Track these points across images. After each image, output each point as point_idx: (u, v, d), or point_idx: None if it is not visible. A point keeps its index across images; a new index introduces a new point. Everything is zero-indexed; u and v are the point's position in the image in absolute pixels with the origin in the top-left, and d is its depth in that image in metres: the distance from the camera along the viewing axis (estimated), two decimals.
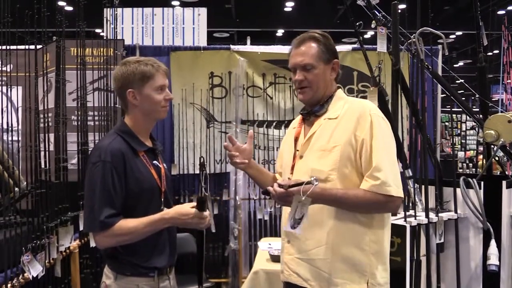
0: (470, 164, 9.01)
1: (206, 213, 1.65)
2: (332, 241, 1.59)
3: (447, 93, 2.86)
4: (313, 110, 1.73)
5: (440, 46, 4.15)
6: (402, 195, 1.59)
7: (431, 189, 2.50)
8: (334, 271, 1.59)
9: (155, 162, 1.75)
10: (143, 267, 1.66)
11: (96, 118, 3.05)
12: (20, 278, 2.12)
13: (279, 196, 1.53)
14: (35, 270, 2.16)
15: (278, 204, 1.59)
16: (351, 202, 1.56)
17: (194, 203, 1.65)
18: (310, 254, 1.63)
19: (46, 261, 2.31)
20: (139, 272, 1.66)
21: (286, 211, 1.72)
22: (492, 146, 2.71)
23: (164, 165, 1.82)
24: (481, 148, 5.18)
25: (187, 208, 1.65)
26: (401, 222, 2.30)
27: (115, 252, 1.66)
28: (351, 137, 1.59)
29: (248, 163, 1.85)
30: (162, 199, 1.73)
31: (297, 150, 1.72)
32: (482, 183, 2.43)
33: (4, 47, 2.23)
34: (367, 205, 1.56)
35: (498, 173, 3.56)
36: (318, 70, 1.67)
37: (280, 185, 1.52)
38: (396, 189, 1.55)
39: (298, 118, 1.87)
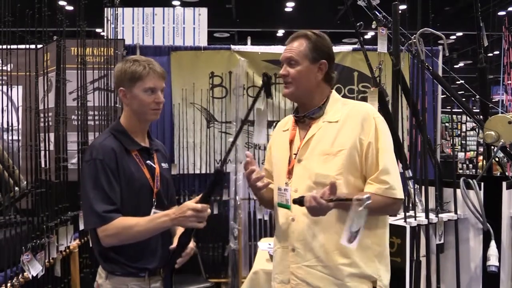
0: (470, 165, 9.01)
1: (207, 212, 1.55)
2: (343, 247, 1.53)
3: (448, 93, 2.86)
4: (308, 113, 1.67)
5: (440, 47, 4.14)
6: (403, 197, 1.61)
7: (431, 190, 2.50)
8: (345, 276, 1.56)
9: (148, 162, 1.73)
10: (133, 267, 1.65)
11: (96, 117, 3.05)
12: (20, 277, 2.13)
13: (320, 208, 1.43)
14: (35, 269, 2.17)
15: (312, 215, 1.48)
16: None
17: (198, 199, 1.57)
18: (321, 260, 1.58)
19: (46, 261, 2.31)
20: (128, 272, 1.65)
21: (281, 214, 1.68)
22: (492, 147, 2.71)
23: (163, 164, 1.79)
24: (481, 149, 5.17)
25: (186, 203, 1.57)
26: (401, 222, 2.30)
27: (106, 252, 1.65)
28: (356, 141, 1.56)
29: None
30: (154, 200, 1.70)
31: (295, 154, 1.66)
32: (482, 184, 2.43)
33: (4, 46, 2.24)
34: (377, 208, 1.53)
35: (498, 174, 3.56)
36: (301, 67, 1.62)
37: (320, 197, 1.43)
38: (400, 192, 1.56)
39: (288, 119, 1.80)
